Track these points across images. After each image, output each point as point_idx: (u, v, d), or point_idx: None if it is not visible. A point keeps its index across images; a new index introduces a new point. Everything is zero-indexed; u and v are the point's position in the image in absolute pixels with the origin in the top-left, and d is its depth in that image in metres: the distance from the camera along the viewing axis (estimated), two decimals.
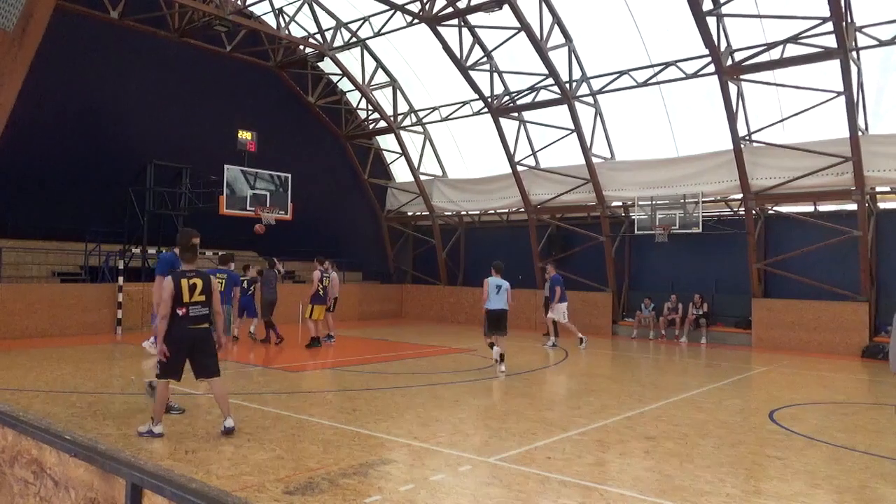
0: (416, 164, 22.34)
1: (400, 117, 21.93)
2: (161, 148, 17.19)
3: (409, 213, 23.97)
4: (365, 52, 20.69)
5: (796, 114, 14.92)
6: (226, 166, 16.23)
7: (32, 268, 15.74)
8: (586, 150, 17.88)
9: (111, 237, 16.67)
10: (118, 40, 17.24)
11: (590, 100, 17.86)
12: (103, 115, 17.14)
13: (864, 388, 11.04)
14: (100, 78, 17.17)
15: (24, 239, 15.71)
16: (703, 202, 16.67)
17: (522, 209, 20.28)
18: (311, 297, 13.31)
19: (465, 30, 17.71)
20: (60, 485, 2.32)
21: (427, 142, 22.23)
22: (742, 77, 15.13)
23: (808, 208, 16.56)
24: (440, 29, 17.55)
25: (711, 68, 15.04)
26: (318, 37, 19.68)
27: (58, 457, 2.33)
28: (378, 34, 18.77)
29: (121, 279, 15.50)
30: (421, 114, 21.66)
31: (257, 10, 18.88)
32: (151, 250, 17.29)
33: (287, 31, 19.36)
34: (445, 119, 21.05)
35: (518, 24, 16.36)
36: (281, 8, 18.93)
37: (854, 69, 13.84)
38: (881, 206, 15.83)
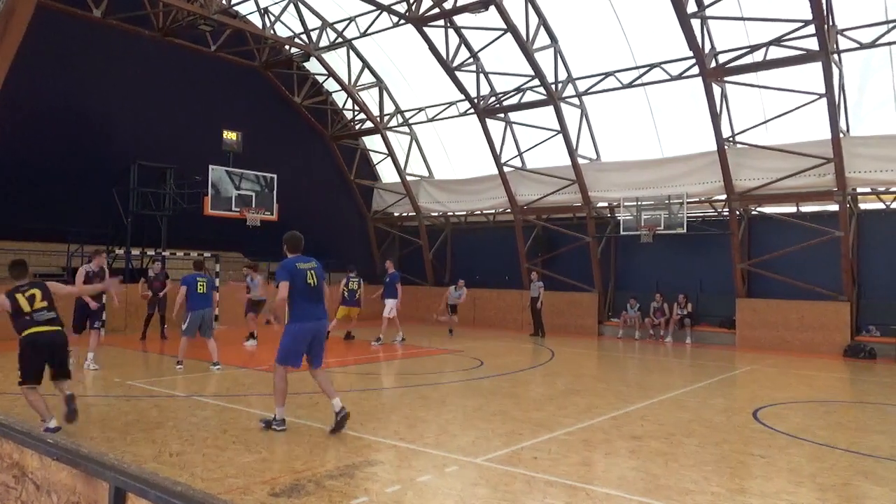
0: (402, 164, 22.32)
1: (386, 118, 21.90)
2: (145, 148, 17.04)
3: (396, 214, 23.94)
4: (351, 53, 20.64)
5: (779, 115, 15.10)
6: (210, 167, 16.12)
7: None
8: (572, 151, 17.96)
9: (94, 238, 16.47)
10: (101, 39, 17.06)
11: (575, 101, 17.94)
12: (86, 115, 16.96)
13: (846, 386, 11.18)
14: (82, 77, 16.99)
15: (5, 240, 15.48)
16: (688, 203, 16.80)
17: (509, 210, 20.33)
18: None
19: (451, 30, 17.73)
20: (42, 489, 2.29)
21: (413, 142, 22.22)
22: (726, 79, 15.27)
23: (791, 209, 16.74)
24: (426, 29, 17.56)
25: (696, 70, 15.17)
26: (304, 37, 19.60)
27: (40, 461, 2.30)
28: (364, 34, 18.73)
29: None
30: (407, 114, 21.64)
31: (242, 9, 18.77)
32: (135, 252, 17.14)
33: (272, 31, 19.26)
34: (432, 120, 21.05)
35: (504, 25, 16.39)
36: (266, 7, 18.84)
37: (836, 71, 14.02)
38: (862, 206, 16.05)
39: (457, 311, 17.97)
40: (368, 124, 22.27)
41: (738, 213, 16.46)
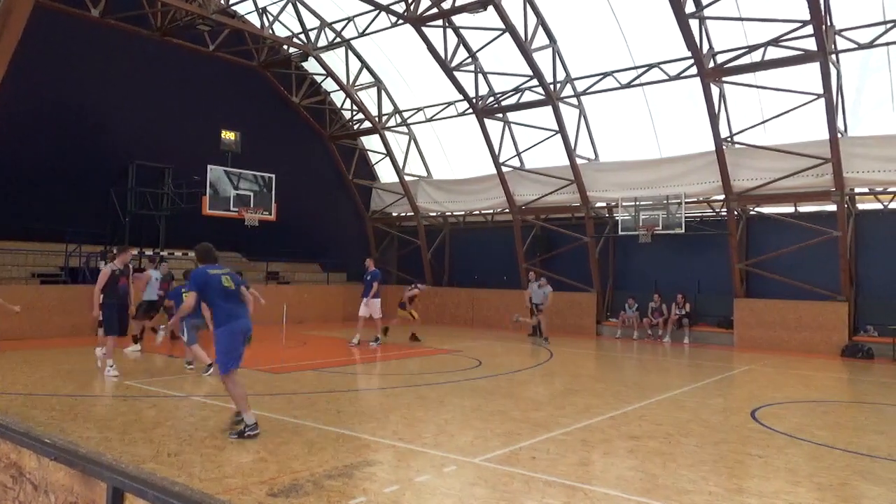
0: (400, 164, 22.32)
1: (384, 118, 21.90)
2: (143, 148, 17.03)
3: (394, 214, 23.94)
4: (349, 53, 20.64)
5: (777, 116, 15.12)
6: (209, 166, 16.11)
7: (11, 269, 15.50)
8: (570, 151, 17.97)
9: (92, 238, 16.47)
10: (99, 39, 17.04)
11: (574, 101, 17.95)
12: (84, 115, 16.93)
13: (844, 386, 11.19)
14: (80, 77, 16.96)
15: (3, 240, 15.47)
16: (686, 203, 16.81)
17: (507, 210, 20.33)
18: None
19: (449, 30, 17.73)
20: (40, 489, 2.29)
21: (412, 142, 22.21)
22: (724, 79, 15.29)
23: (789, 209, 16.76)
24: (425, 29, 17.55)
25: (694, 70, 15.18)
26: (303, 37, 19.60)
27: (37, 461, 2.30)
28: (363, 34, 18.73)
29: None
30: (406, 114, 21.64)
31: (241, 9, 18.76)
32: (133, 251, 17.11)
33: (271, 31, 19.26)
34: (430, 120, 21.05)
35: (503, 26, 16.39)
36: (265, 7, 18.83)
37: (833, 72, 14.04)
38: (860, 206, 16.07)
39: (541, 310, 16.47)
40: (367, 124, 22.27)
41: (736, 213, 16.48)
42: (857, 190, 15.54)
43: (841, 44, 14.00)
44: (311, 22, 19.55)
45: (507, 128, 19.46)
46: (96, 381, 9.37)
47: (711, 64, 15.02)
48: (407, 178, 22.37)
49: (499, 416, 7.52)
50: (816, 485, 5.26)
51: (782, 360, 13.60)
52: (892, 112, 14.76)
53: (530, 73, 17.32)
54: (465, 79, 18.80)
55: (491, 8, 15.75)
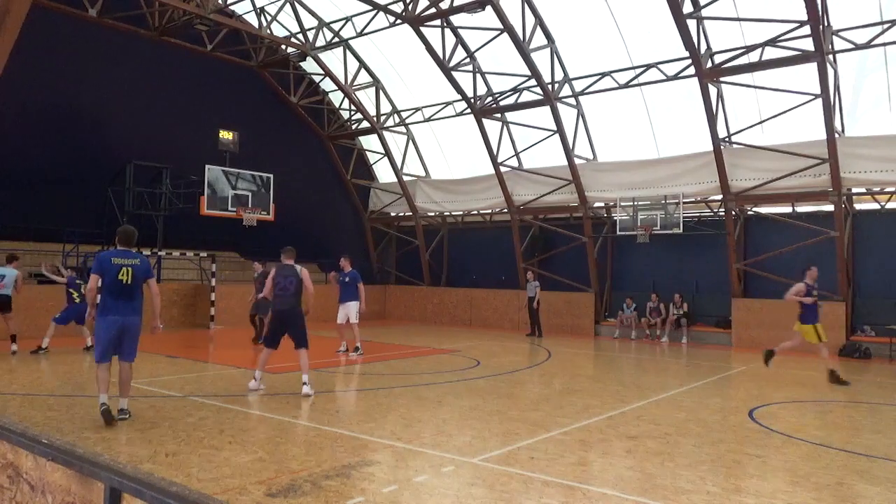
0: (399, 164, 22.31)
1: (383, 118, 21.89)
2: (141, 147, 17.01)
3: (393, 214, 23.93)
4: (347, 52, 20.63)
5: (775, 116, 15.14)
6: (207, 166, 16.10)
7: None
8: (569, 151, 17.98)
9: (89, 238, 16.45)
10: (97, 39, 17.03)
11: (572, 101, 17.96)
12: (82, 115, 16.92)
13: (841, 386, 11.19)
14: (78, 77, 16.95)
15: (0, 239, 15.45)
16: (684, 203, 16.82)
17: (505, 210, 20.34)
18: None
19: (447, 30, 17.73)
20: (37, 489, 2.28)
21: (410, 142, 22.21)
22: (721, 79, 15.31)
23: (787, 209, 16.79)
24: (423, 29, 17.55)
25: (691, 70, 15.20)
26: (301, 36, 19.58)
27: (34, 461, 2.29)
28: (361, 34, 18.72)
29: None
30: (404, 114, 21.63)
31: (239, 9, 18.75)
32: None
33: (269, 31, 19.24)
34: (428, 120, 21.05)
35: (501, 26, 16.40)
36: (262, 7, 18.82)
37: (831, 72, 14.06)
38: (857, 206, 16.10)
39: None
40: (365, 124, 22.26)
41: (733, 213, 16.49)
42: (854, 190, 15.56)
43: (838, 44, 14.02)
44: (310, 22, 19.54)
45: (505, 128, 19.47)
46: (93, 382, 9.34)
47: (709, 64, 15.04)
48: (405, 178, 22.37)
49: (497, 416, 7.52)
50: (814, 484, 5.26)
51: (780, 360, 13.58)
52: (889, 112, 14.79)
53: (528, 73, 17.33)
54: (464, 79, 18.80)
55: (489, 8, 15.77)
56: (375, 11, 17.60)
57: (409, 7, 16.81)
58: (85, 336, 12.35)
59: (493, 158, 19.48)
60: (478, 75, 18.73)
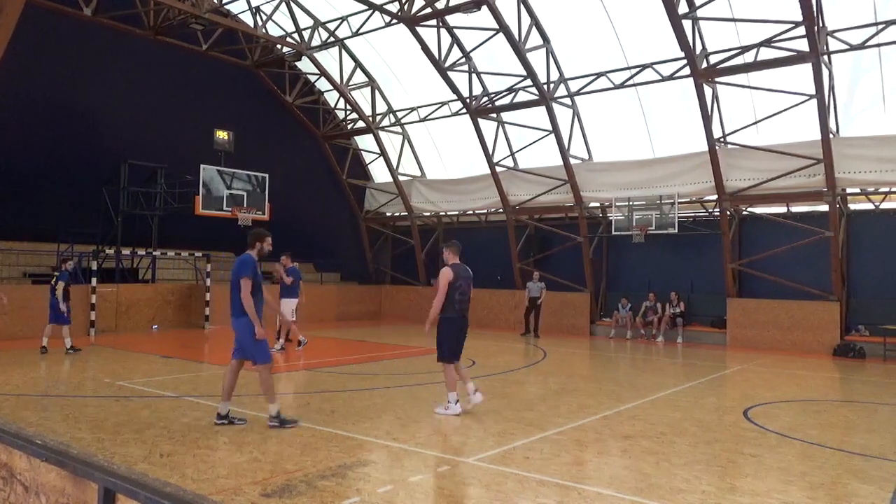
0: (394, 164, 22.30)
1: (378, 117, 21.88)
2: (136, 147, 16.95)
3: (388, 214, 23.92)
4: (343, 52, 20.60)
5: (770, 116, 15.18)
6: (202, 166, 16.05)
7: (3, 269, 15.43)
8: (564, 151, 17.99)
9: (84, 238, 16.40)
10: (92, 38, 16.97)
11: (567, 101, 17.98)
12: (76, 114, 16.86)
13: (836, 385, 11.25)
14: (73, 76, 16.89)
15: None
16: (679, 203, 16.85)
17: (501, 210, 20.34)
18: None
19: (443, 30, 17.73)
20: (31, 490, 2.27)
21: (406, 142, 22.20)
22: (717, 79, 15.34)
23: (782, 209, 16.84)
24: (419, 29, 17.54)
25: (687, 71, 15.23)
26: (296, 36, 19.56)
27: (28, 462, 2.28)
28: (356, 34, 18.70)
29: (94, 281, 15.25)
30: (399, 114, 21.62)
31: (234, 8, 18.71)
32: (125, 251, 17.05)
33: (264, 30, 19.21)
34: (424, 119, 21.04)
35: (496, 26, 16.41)
36: (258, 7, 18.78)
37: (826, 72, 14.10)
38: (852, 207, 16.15)
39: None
40: (360, 124, 22.24)
41: (728, 213, 16.53)
42: (848, 190, 15.61)
43: (833, 45, 14.06)
44: (305, 21, 19.51)
45: (500, 128, 19.47)
46: (88, 382, 9.32)
47: (704, 64, 15.07)
48: (401, 178, 22.36)
49: (492, 416, 7.52)
50: (809, 483, 5.28)
51: (775, 360, 13.65)
52: (883, 113, 14.84)
53: (524, 73, 17.34)
54: (459, 78, 18.80)
55: (485, 8, 15.76)
56: (371, 11, 17.58)
57: (405, 7, 16.80)
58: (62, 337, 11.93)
59: (489, 158, 19.48)
60: (473, 75, 18.73)
